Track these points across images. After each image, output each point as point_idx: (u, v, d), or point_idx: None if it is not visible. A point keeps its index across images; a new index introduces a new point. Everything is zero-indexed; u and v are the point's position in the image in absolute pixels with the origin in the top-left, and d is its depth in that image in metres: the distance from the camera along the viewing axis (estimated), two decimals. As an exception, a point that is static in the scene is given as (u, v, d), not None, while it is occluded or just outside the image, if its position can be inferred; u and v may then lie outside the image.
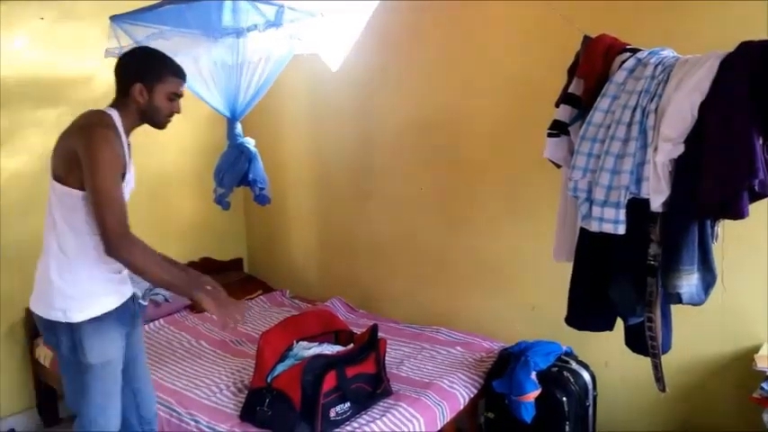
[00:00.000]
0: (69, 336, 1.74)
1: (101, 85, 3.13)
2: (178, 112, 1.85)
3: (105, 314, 1.76)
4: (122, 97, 1.78)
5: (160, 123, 1.83)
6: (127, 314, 1.86)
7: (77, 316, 1.73)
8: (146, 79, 1.76)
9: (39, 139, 2.96)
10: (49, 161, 1.75)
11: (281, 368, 2.13)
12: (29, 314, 2.94)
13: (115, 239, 1.61)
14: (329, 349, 2.25)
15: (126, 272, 1.83)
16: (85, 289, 1.75)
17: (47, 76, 2.96)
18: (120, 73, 1.79)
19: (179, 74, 1.83)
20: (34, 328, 2.94)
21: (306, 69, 3.31)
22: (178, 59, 2.42)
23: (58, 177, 1.71)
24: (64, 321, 1.73)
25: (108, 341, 1.78)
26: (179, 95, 1.83)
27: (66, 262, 1.73)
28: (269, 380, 2.09)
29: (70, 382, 1.84)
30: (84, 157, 1.62)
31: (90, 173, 1.62)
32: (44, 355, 2.89)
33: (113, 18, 2.58)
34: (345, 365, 2.04)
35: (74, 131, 1.71)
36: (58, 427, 3.07)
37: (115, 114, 1.76)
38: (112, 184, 1.64)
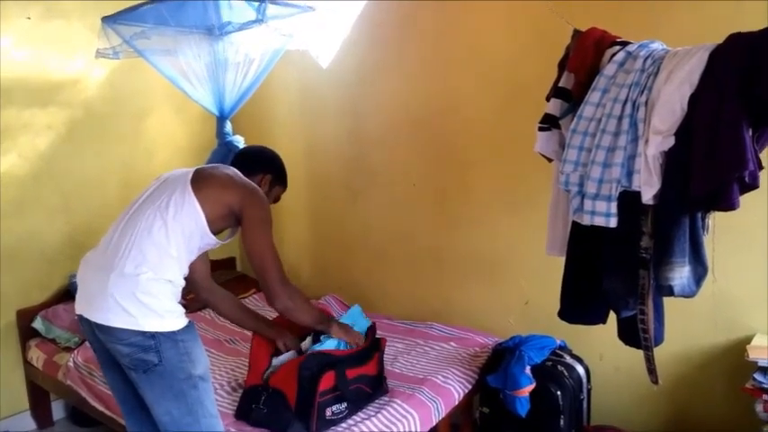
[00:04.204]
0: (174, 347, 1.66)
1: (89, 85, 3.11)
2: None
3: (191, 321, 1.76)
4: (245, 174, 1.94)
5: None
6: None
7: (177, 323, 1.69)
8: (273, 176, 2.06)
9: (28, 140, 2.95)
10: (179, 176, 1.79)
11: (276, 362, 2.12)
12: (20, 316, 2.96)
13: (279, 289, 1.84)
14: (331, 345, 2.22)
15: None
16: (173, 299, 1.73)
17: (34, 76, 2.93)
18: (254, 158, 2.08)
19: (286, 186, 2.15)
20: (26, 329, 2.94)
21: (296, 67, 3.30)
22: (166, 58, 2.40)
23: (199, 201, 1.74)
24: (167, 331, 1.65)
25: (201, 346, 1.77)
26: (277, 201, 2.12)
27: (161, 271, 1.68)
28: (265, 376, 2.08)
29: (168, 408, 1.68)
30: (249, 216, 1.80)
31: (256, 231, 1.81)
32: (36, 356, 2.87)
33: (104, 19, 2.56)
34: (346, 367, 2.02)
35: (231, 184, 1.82)
36: (52, 429, 3.06)
37: None
38: (272, 240, 1.84)
